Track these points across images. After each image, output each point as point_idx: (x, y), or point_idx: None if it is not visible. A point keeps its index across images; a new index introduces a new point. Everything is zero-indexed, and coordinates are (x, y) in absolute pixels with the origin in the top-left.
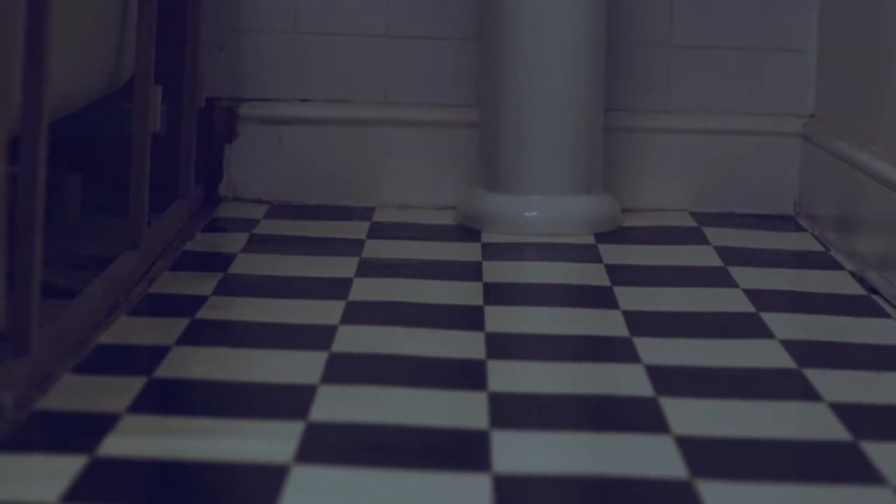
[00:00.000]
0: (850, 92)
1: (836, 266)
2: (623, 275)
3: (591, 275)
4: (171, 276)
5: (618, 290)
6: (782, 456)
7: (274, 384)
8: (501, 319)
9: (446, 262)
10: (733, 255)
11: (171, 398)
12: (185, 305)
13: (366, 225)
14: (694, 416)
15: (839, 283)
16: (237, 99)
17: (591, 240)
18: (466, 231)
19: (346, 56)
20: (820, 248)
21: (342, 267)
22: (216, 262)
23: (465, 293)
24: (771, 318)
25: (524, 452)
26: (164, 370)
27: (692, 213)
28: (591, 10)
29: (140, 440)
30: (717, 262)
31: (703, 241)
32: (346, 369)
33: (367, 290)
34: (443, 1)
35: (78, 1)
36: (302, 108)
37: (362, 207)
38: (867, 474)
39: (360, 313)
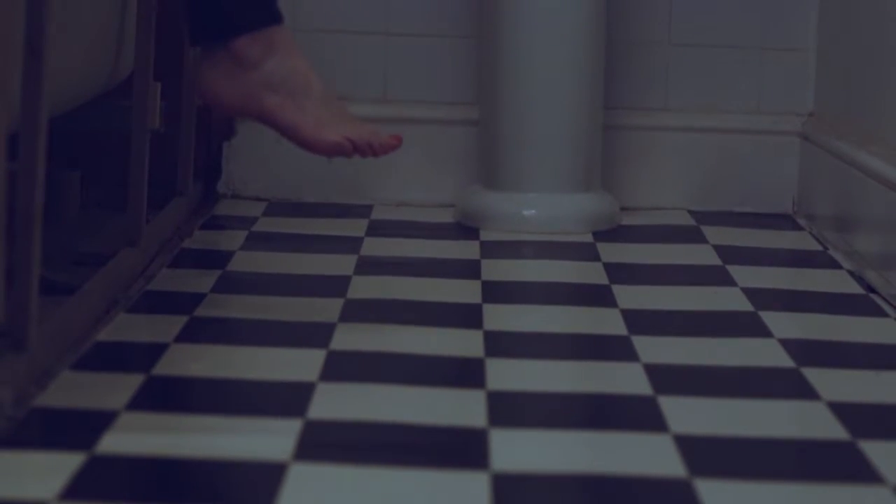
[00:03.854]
0: (849, 91)
1: (835, 265)
2: (621, 273)
3: (590, 273)
4: (169, 274)
5: (616, 288)
6: (780, 455)
7: (272, 381)
8: (500, 317)
9: (445, 260)
10: (732, 254)
11: (169, 395)
12: (183, 303)
13: (364, 222)
14: (692, 414)
15: (837, 282)
16: None
17: (589, 238)
18: (465, 229)
19: (345, 53)
20: (818, 247)
21: (341, 264)
22: (215, 259)
23: (463, 291)
24: (769, 317)
25: (522, 451)
26: (163, 367)
27: (691, 212)
28: (590, 8)
29: (138, 437)
30: (715, 260)
31: (702, 239)
32: (344, 367)
33: (365, 287)
34: None
35: None
36: None
37: (361, 205)
38: (865, 473)
39: (358, 311)
